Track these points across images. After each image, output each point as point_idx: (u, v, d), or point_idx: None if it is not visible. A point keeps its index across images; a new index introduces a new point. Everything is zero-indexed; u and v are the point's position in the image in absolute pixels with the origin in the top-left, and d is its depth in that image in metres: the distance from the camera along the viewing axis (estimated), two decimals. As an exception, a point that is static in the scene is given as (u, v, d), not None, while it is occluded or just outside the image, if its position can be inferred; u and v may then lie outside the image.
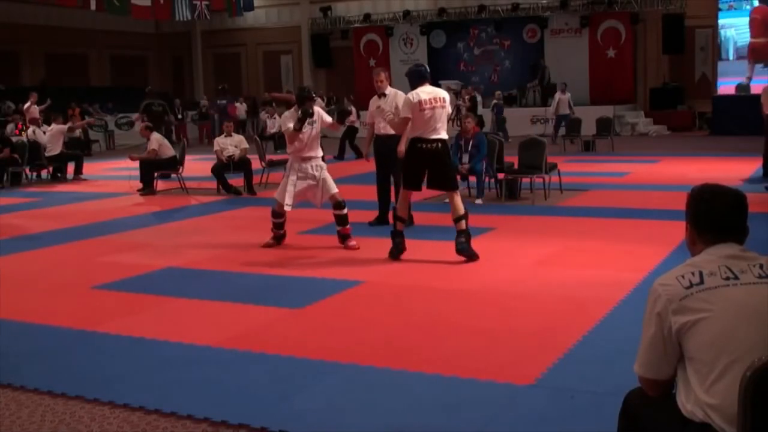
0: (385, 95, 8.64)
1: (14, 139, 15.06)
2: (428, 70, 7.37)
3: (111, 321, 5.41)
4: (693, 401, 2.25)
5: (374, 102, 8.73)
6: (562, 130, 19.31)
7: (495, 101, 21.69)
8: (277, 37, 29.12)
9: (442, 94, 7.12)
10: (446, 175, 7.11)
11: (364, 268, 6.76)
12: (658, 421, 2.38)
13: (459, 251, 6.87)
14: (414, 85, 7.12)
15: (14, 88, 22.80)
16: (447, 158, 7.13)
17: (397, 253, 7.07)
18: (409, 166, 7.12)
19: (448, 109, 7.17)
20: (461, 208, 7.00)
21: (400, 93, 8.76)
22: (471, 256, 6.86)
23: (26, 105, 18.22)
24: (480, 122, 21.62)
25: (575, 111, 19.73)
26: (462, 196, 10.59)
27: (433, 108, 6.97)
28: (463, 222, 6.95)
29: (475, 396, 3.89)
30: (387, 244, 7.23)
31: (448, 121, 7.33)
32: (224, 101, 24.31)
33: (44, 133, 15.34)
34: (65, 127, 15.65)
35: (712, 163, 13.96)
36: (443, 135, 7.03)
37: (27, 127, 16.33)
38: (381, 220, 8.74)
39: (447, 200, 10.44)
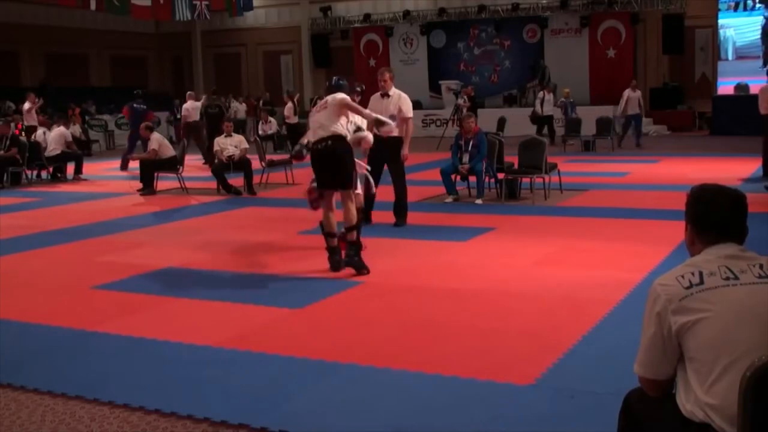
0: (388, 95, 8.63)
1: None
2: (343, 83, 6.86)
3: (111, 321, 5.40)
4: (693, 401, 2.24)
5: (376, 101, 8.70)
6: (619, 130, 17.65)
7: (563, 99, 19.20)
8: (277, 37, 29.13)
9: (331, 98, 6.60)
10: (335, 173, 6.51)
11: (364, 268, 6.74)
12: (658, 422, 2.38)
13: (346, 264, 6.47)
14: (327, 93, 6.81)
15: (14, 88, 22.79)
16: (336, 156, 6.48)
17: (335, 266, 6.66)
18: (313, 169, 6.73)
19: (349, 114, 6.64)
20: (353, 217, 6.52)
21: (404, 95, 8.77)
22: (360, 268, 6.45)
23: (25, 106, 18.18)
24: (549, 129, 18.97)
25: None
26: (462, 196, 10.73)
27: (319, 111, 6.66)
28: (354, 233, 6.54)
29: (475, 396, 3.88)
30: (386, 244, 7.23)
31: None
32: (144, 106, 18.87)
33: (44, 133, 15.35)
34: (67, 132, 15.66)
35: (712, 163, 13.97)
36: (331, 131, 6.44)
37: (35, 129, 16.42)
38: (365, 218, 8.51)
39: (447, 200, 10.53)
